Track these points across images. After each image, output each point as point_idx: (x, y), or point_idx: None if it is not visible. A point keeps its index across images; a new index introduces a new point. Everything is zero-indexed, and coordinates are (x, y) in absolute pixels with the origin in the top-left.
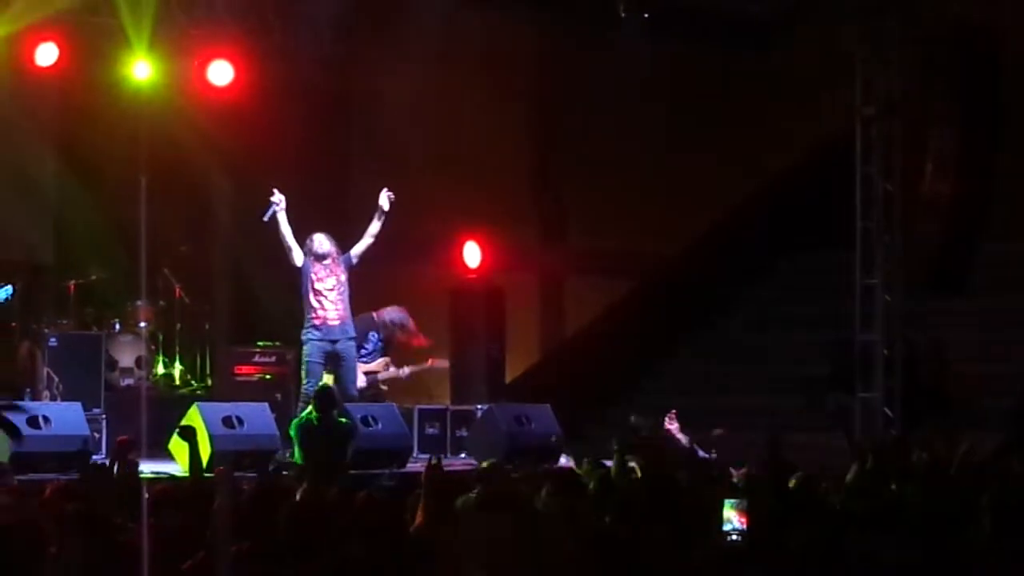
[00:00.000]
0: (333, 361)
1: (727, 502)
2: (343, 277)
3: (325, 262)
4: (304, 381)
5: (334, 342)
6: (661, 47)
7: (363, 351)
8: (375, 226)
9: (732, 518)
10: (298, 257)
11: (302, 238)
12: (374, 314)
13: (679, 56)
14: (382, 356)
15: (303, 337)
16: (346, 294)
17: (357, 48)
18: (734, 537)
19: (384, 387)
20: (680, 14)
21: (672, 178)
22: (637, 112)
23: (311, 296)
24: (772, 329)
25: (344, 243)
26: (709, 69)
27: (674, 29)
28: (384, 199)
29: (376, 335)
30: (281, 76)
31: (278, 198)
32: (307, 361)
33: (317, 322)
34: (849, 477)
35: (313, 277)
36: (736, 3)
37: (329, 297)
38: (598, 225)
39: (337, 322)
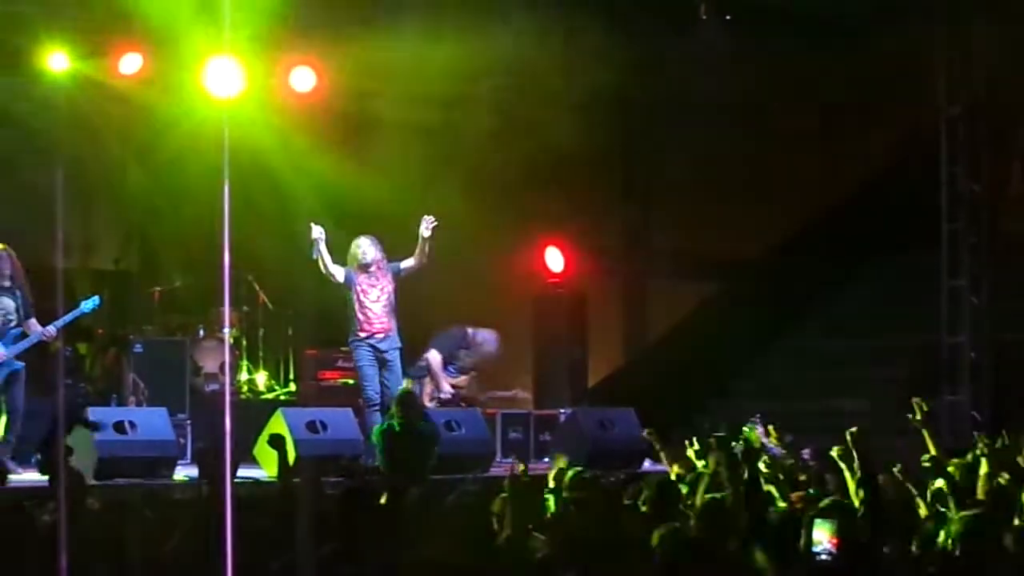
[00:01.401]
0: (381, 367)
1: (817, 521)
2: (389, 288)
3: (370, 271)
4: (363, 388)
5: (382, 351)
6: (743, 49)
7: (450, 368)
8: (423, 253)
9: (822, 539)
10: (339, 273)
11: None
12: (468, 330)
13: (761, 58)
14: (464, 375)
15: (351, 344)
16: (392, 304)
17: (430, 54)
18: (824, 557)
19: (463, 405)
20: (762, 15)
21: (755, 181)
22: (719, 114)
23: (357, 308)
24: (857, 332)
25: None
26: (791, 71)
27: (756, 30)
28: (425, 228)
29: (464, 352)
30: (361, 81)
31: (317, 231)
32: (359, 367)
33: (363, 335)
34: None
35: (359, 289)
36: (819, 4)
37: (374, 309)
38: (681, 228)
39: (382, 335)
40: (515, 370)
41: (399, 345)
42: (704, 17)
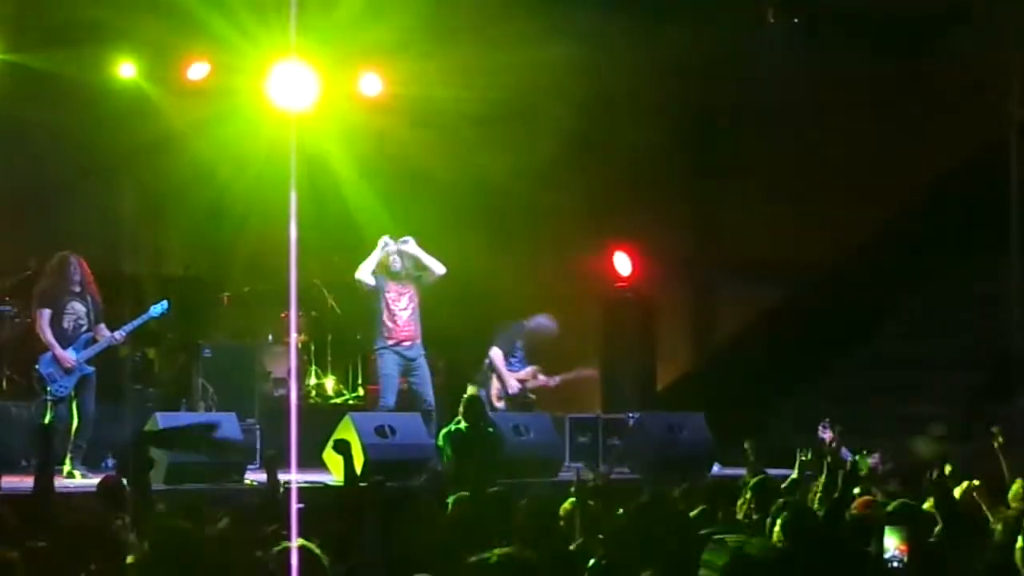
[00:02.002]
0: (407, 372)
1: (888, 528)
2: (416, 296)
3: (400, 278)
4: (381, 397)
5: (410, 359)
6: (812, 52)
7: (513, 360)
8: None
9: (891, 546)
10: (367, 277)
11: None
12: (524, 322)
13: (830, 61)
14: (529, 365)
15: (377, 350)
16: (418, 312)
17: (502, 57)
18: (895, 565)
19: (532, 396)
20: (830, 18)
21: (825, 185)
22: (789, 118)
23: (385, 315)
24: (928, 337)
25: None
26: (860, 73)
27: (824, 34)
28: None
29: (524, 343)
30: (428, 85)
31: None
32: (384, 374)
33: (391, 342)
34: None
35: (388, 296)
36: (888, 6)
37: (403, 317)
38: (750, 233)
39: (409, 342)
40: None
41: (423, 352)
42: (772, 20)
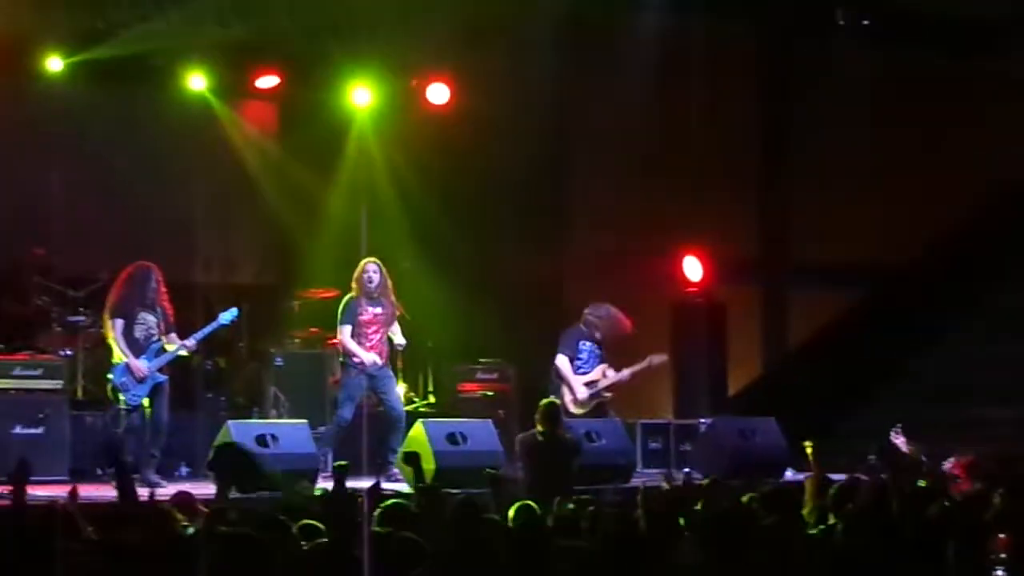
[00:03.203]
0: (372, 385)
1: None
2: (384, 316)
3: (373, 297)
4: (341, 408)
5: (373, 376)
6: (881, 53)
7: (578, 362)
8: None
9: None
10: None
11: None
12: (580, 324)
13: (900, 62)
14: (598, 363)
15: (343, 363)
16: (384, 330)
17: (573, 63)
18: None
19: (608, 394)
20: (900, 19)
21: (897, 186)
22: (859, 119)
23: (359, 333)
24: (1005, 338)
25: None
26: (932, 74)
27: (894, 34)
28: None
29: (587, 342)
30: (497, 94)
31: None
32: (346, 387)
33: (355, 360)
34: None
35: (360, 316)
36: (959, 7)
37: (368, 334)
38: (822, 235)
39: (371, 361)
40: (655, 380)
41: (383, 364)
42: (841, 22)
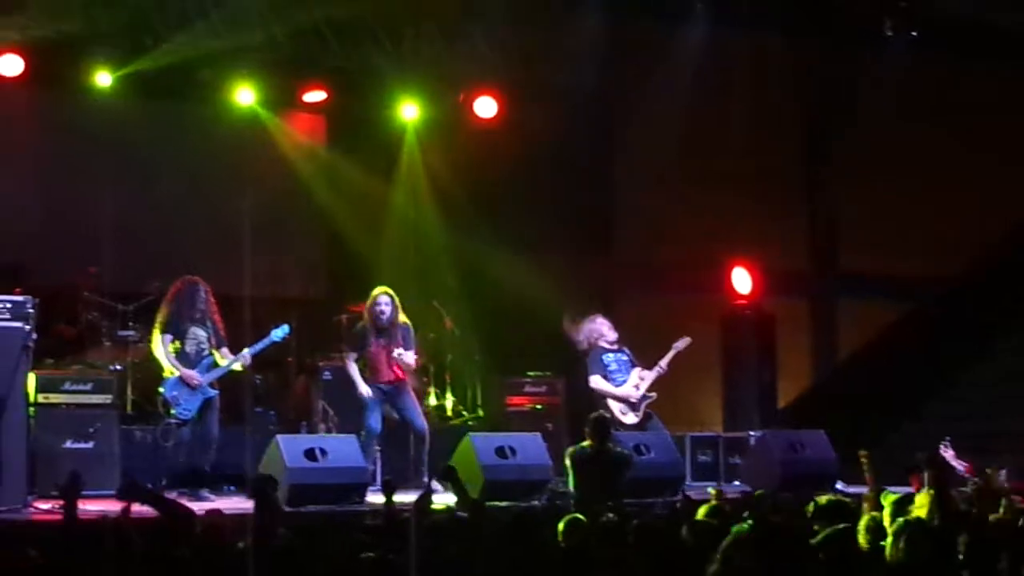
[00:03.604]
0: (389, 402)
1: None
2: (390, 346)
3: (382, 329)
4: (365, 421)
5: (387, 392)
6: (930, 64)
7: (612, 376)
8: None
9: None
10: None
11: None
12: (598, 345)
13: (948, 73)
14: (631, 369)
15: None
16: (390, 357)
17: (619, 75)
18: None
19: (652, 394)
20: (948, 29)
21: (945, 198)
22: (907, 131)
23: (367, 360)
24: None
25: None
26: (980, 86)
27: (943, 46)
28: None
29: (608, 354)
30: (545, 107)
31: None
32: (368, 402)
33: (367, 375)
34: None
35: (373, 349)
36: (1007, 16)
37: (380, 363)
38: (870, 247)
39: (386, 379)
40: (705, 393)
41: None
42: (890, 34)
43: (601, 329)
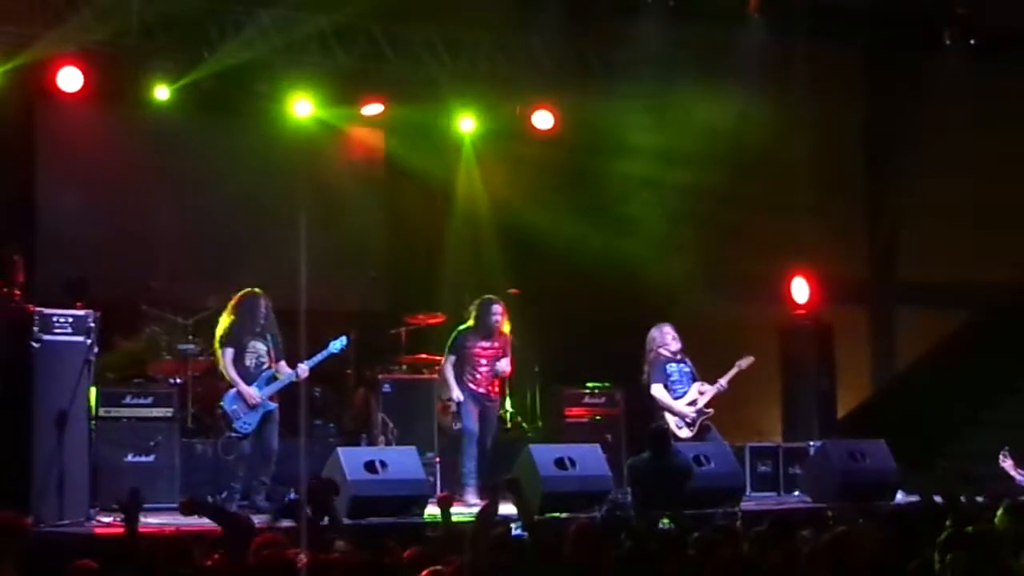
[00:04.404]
0: (479, 412)
1: None
2: (494, 352)
3: (489, 335)
4: (462, 421)
5: (484, 405)
6: (987, 72)
7: (673, 386)
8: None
9: None
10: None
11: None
12: (657, 351)
13: (1006, 82)
14: (692, 382)
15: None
16: (493, 365)
17: (676, 86)
18: None
19: (709, 410)
20: (1007, 40)
21: (1005, 207)
22: (967, 140)
23: (467, 364)
24: None
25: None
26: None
27: (1001, 55)
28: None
29: (672, 364)
30: (601, 117)
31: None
32: (463, 407)
33: (465, 379)
34: None
35: (475, 350)
36: None
37: (477, 367)
38: (929, 256)
39: (483, 390)
40: (764, 403)
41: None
42: (948, 42)
43: (665, 338)
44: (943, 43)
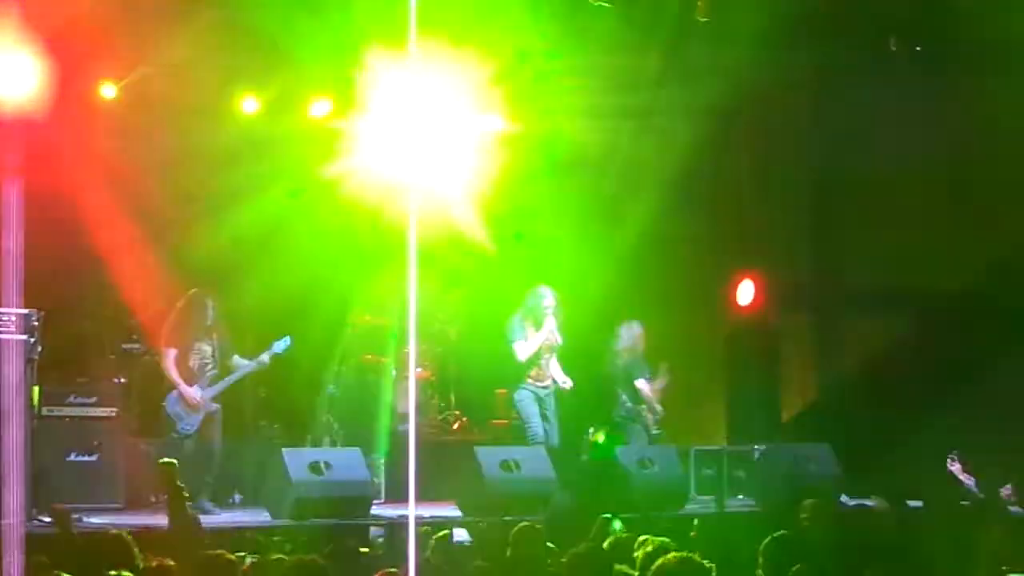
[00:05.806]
0: (540, 405)
1: None
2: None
3: (540, 323)
4: (529, 427)
5: (543, 398)
6: (935, 79)
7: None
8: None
9: None
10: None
11: None
12: (626, 346)
13: (953, 88)
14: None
15: (518, 389)
16: (553, 356)
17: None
18: None
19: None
20: (953, 45)
21: (952, 212)
22: (914, 146)
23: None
24: None
25: None
26: (987, 98)
27: (948, 61)
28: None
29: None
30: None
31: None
32: (523, 406)
33: (530, 382)
34: None
35: (550, 337)
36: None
37: (544, 355)
38: (875, 260)
39: (549, 381)
40: (707, 405)
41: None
42: (894, 48)
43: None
44: (890, 50)
